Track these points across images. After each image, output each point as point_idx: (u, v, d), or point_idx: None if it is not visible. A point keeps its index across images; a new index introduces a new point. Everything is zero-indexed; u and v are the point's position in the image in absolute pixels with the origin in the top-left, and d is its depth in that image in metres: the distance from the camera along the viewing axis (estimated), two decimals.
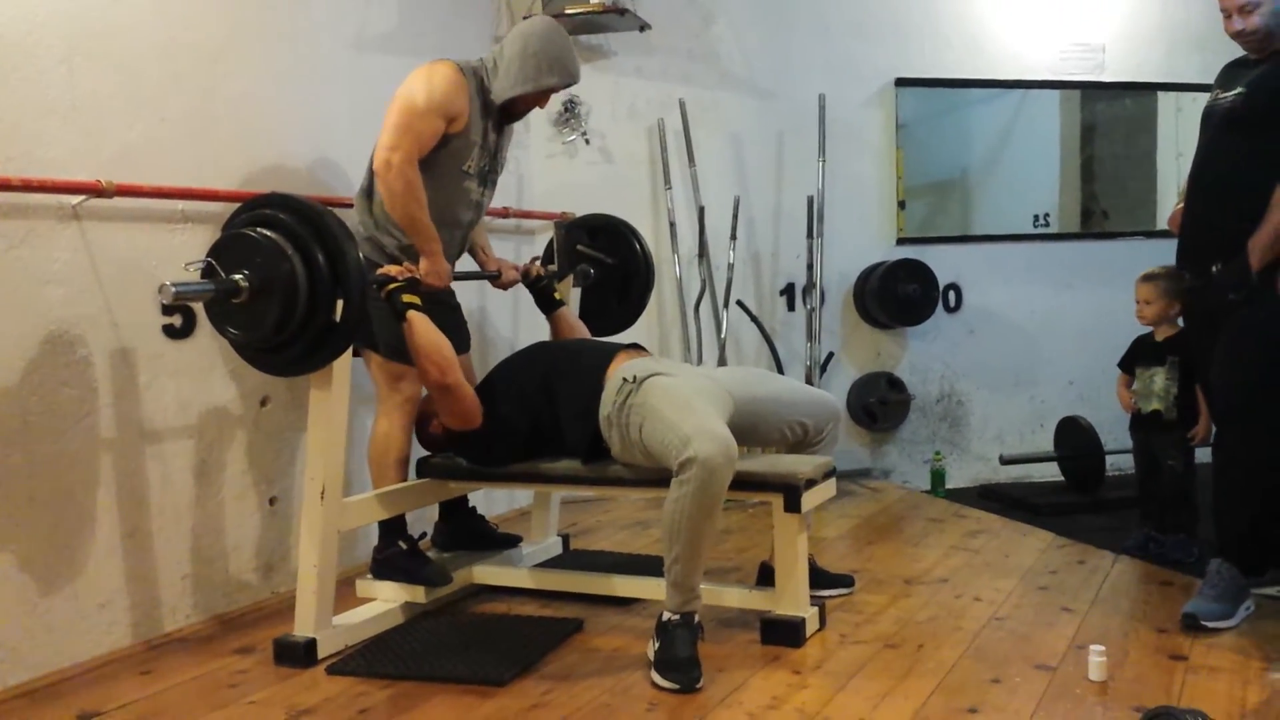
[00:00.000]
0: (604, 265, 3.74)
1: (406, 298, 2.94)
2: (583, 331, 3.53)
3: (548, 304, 3.52)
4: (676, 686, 2.50)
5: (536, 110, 3.33)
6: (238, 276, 2.50)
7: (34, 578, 2.65)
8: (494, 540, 3.53)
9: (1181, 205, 3.17)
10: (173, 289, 2.41)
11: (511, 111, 3.22)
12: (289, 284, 2.49)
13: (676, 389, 2.76)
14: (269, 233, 2.53)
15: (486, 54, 3.19)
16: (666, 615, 2.63)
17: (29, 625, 2.64)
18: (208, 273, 2.54)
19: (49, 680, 2.64)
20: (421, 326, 2.92)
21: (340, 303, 2.56)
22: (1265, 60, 2.93)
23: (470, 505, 3.54)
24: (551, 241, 3.75)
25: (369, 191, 3.12)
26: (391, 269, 2.98)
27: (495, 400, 3.01)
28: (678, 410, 2.67)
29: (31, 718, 2.43)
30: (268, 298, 2.50)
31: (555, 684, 2.57)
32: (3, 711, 2.47)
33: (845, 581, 3.27)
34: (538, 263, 3.60)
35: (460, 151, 3.08)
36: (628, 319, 3.87)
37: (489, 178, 3.27)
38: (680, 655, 2.56)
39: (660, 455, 2.66)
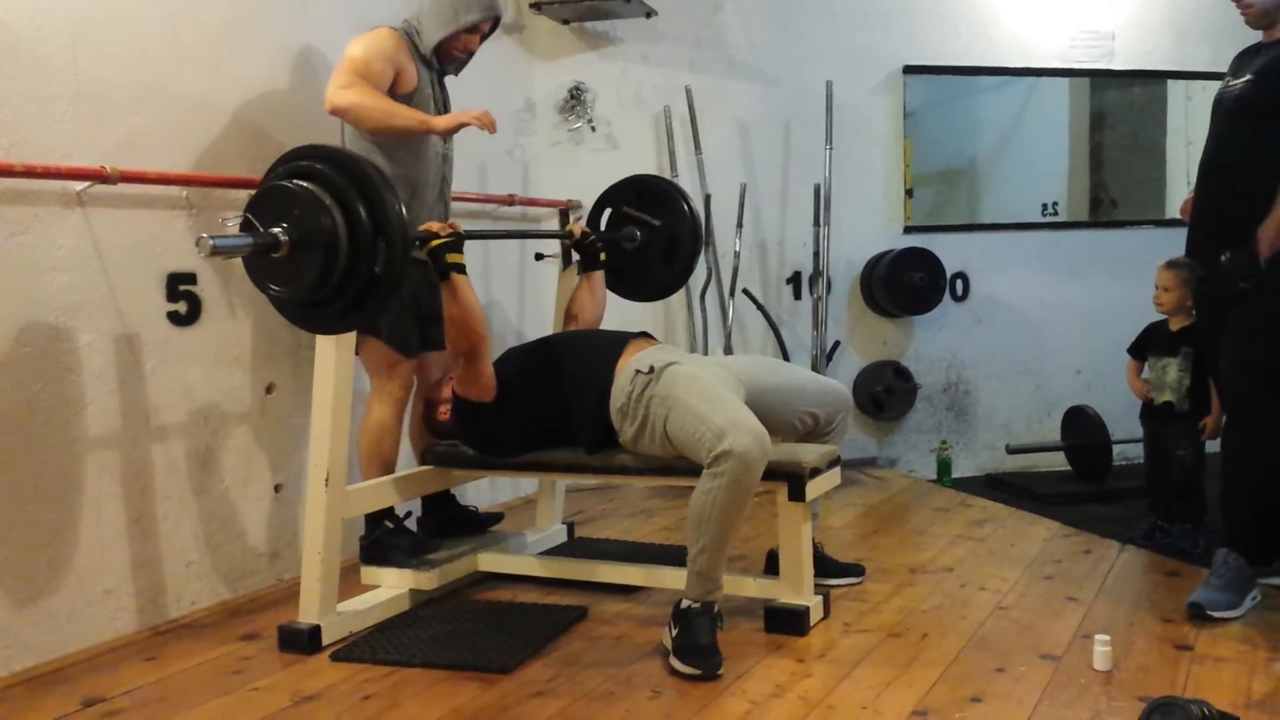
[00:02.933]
0: (650, 227, 3.62)
1: (451, 257, 2.83)
2: (602, 301, 3.48)
3: (590, 263, 3.47)
4: (698, 672, 2.50)
5: (542, 96, 3.34)
6: (276, 230, 2.39)
7: (39, 564, 2.66)
8: (478, 523, 3.55)
9: (1192, 194, 3.15)
10: (211, 243, 2.29)
11: (445, 61, 3.28)
12: (329, 236, 2.38)
13: (700, 379, 2.76)
14: (307, 184, 2.43)
15: (410, 14, 3.24)
16: (686, 603, 2.63)
17: (34, 611, 2.65)
18: (245, 227, 2.42)
19: (54, 666, 2.65)
20: (465, 289, 2.84)
21: (383, 253, 2.45)
22: (1274, 46, 2.91)
23: (450, 493, 3.55)
24: (562, 226, 3.73)
25: None
26: (434, 225, 2.88)
27: (504, 391, 2.99)
28: (707, 402, 2.66)
29: (36, 704, 2.44)
30: (308, 251, 2.39)
31: (559, 671, 2.57)
32: (8, 697, 2.48)
33: (854, 570, 3.26)
34: (581, 222, 3.56)
35: (418, 108, 3.13)
36: (675, 282, 3.73)
37: (447, 138, 3.29)
38: (701, 642, 2.56)
39: (689, 447, 2.66)
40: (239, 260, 3.16)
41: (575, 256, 3.56)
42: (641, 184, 3.73)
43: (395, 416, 3.18)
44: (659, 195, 3.66)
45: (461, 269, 2.85)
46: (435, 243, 2.83)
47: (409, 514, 3.29)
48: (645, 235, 3.62)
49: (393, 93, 3.09)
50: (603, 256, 3.48)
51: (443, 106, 3.30)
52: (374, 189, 2.44)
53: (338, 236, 2.40)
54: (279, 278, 2.47)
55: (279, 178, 2.49)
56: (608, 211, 3.67)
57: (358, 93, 2.98)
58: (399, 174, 3.10)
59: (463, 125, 3.10)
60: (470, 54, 3.33)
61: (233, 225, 2.45)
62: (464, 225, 2.96)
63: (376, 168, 2.56)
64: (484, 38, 3.32)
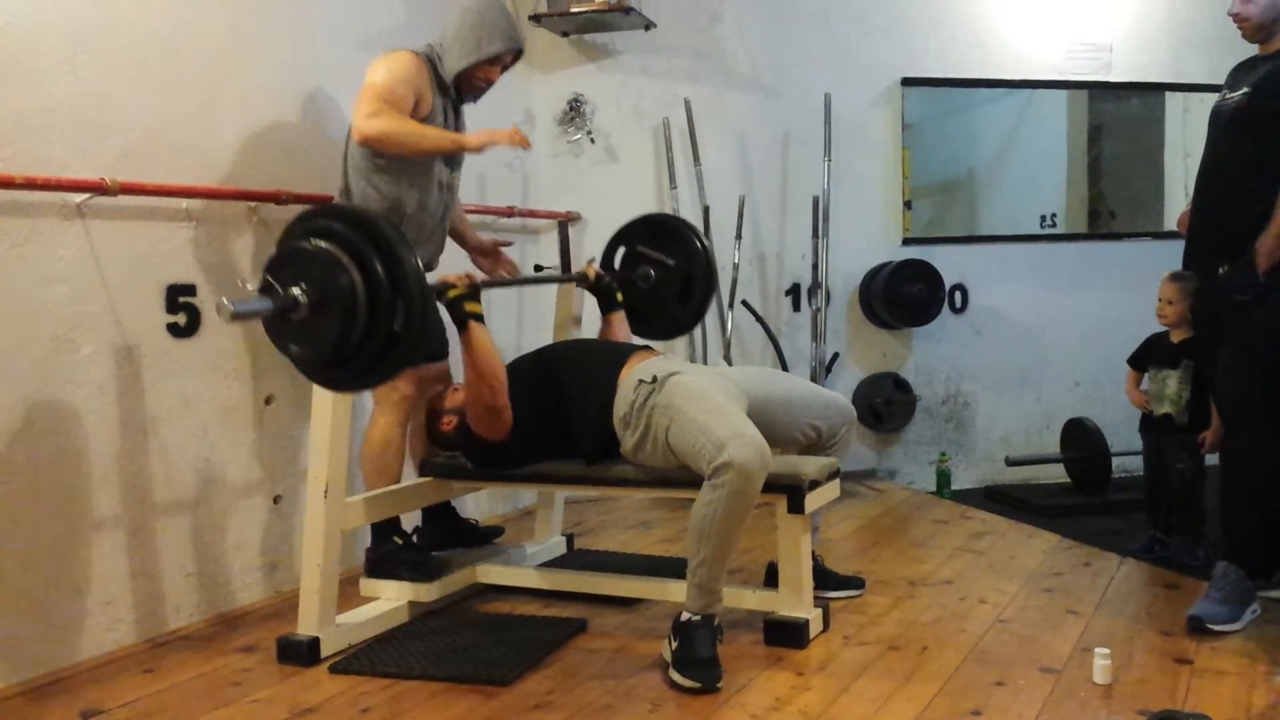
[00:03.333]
0: (665, 266, 3.60)
1: (469, 306, 2.84)
2: (627, 337, 3.46)
3: (608, 305, 3.47)
4: (698, 685, 2.49)
5: (541, 108, 3.34)
6: (295, 291, 2.38)
7: (38, 575, 2.66)
8: (478, 536, 3.55)
9: (1190, 207, 3.16)
10: (230, 308, 2.28)
11: (463, 90, 3.26)
12: (348, 295, 2.38)
13: (702, 390, 2.76)
14: (324, 244, 2.43)
15: (433, 39, 3.22)
16: (686, 615, 2.63)
17: (32, 622, 2.64)
18: (265, 289, 2.42)
19: (52, 678, 2.65)
20: (482, 339, 2.85)
21: (402, 312, 2.44)
22: (1271, 59, 2.92)
23: (450, 505, 3.54)
24: (561, 238, 3.74)
25: (346, 190, 3.14)
26: (451, 276, 2.89)
27: (515, 420, 2.97)
28: (708, 413, 2.66)
29: (35, 715, 2.43)
30: (327, 311, 2.38)
31: (558, 684, 2.57)
32: (6, 709, 2.47)
33: (854, 583, 3.26)
34: (594, 264, 3.54)
35: None
36: (690, 321, 3.70)
37: (454, 160, 3.29)
38: (701, 655, 2.55)
39: (690, 458, 2.66)
40: (239, 272, 3.20)
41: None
42: (654, 222, 3.72)
43: (399, 426, 3.18)
44: (672, 233, 3.65)
45: (480, 318, 2.85)
46: (453, 293, 2.83)
47: (416, 529, 3.28)
48: (660, 274, 3.60)
49: (412, 117, 3.07)
50: (620, 296, 3.47)
51: (457, 130, 3.27)
52: (390, 246, 2.43)
53: (356, 295, 2.39)
54: (299, 338, 2.46)
55: (297, 238, 2.50)
56: (621, 250, 3.67)
57: (386, 120, 2.95)
58: (400, 198, 3.10)
59: (494, 144, 3.10)
60: (490, 84, 3.30)
61: (252, 287, 2.45)
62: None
63: (393, 224, 2.54)
64: (505, 68, 3.29)
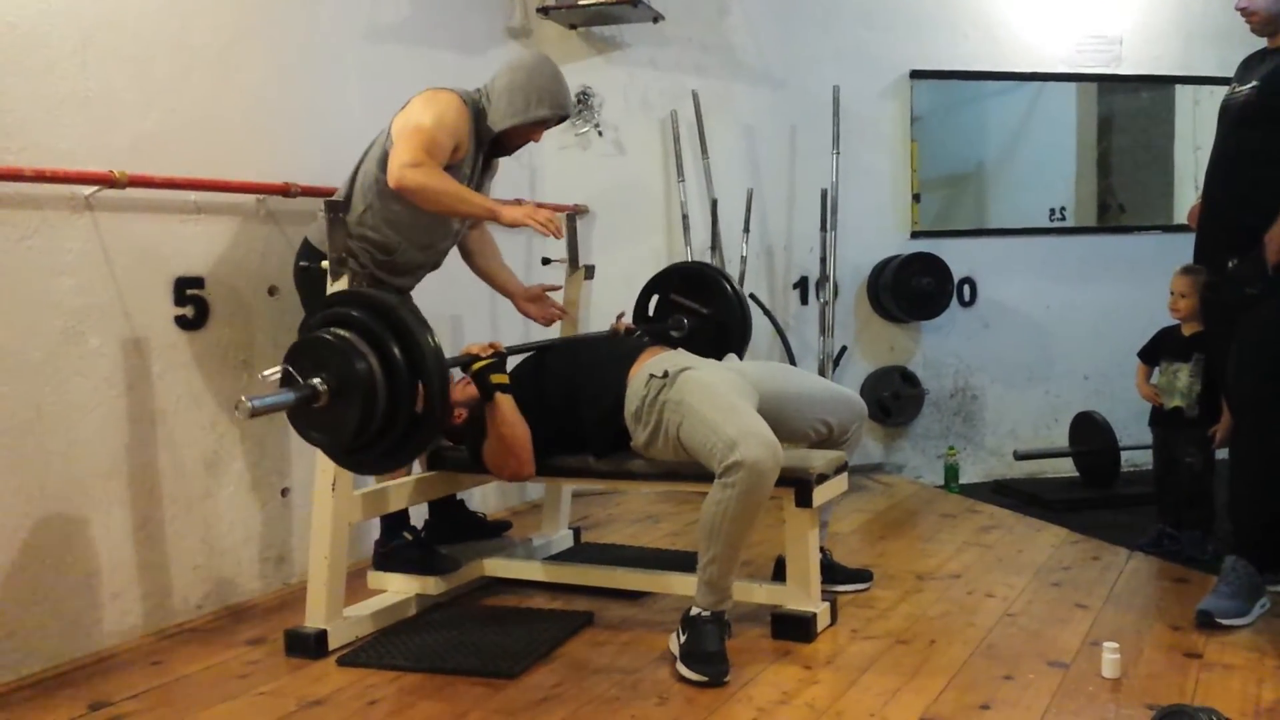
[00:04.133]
0: (699, 315, 3.59)
1: (495, 378, 2.83)
2: None
3: None
4: (705, 679, 2.49)
5: None
6: (315, 380, 2.40)
7: (46, 568, 2.66)
8: (485, 529, 3.55)
9: (1200, 200, 3.14)
10: (250, 405, 2.28)
11: (502, 145, 3.20)
12: (366, 381, 2.40)
13: (714, 386, 2.75)
14: (342, 331, 2.45)
15: (480, 85, 3.16)
16: (696, 611, 2.63)
17: (41, 615, 2.65)
18: (285, 380, 2.45)
19: (61, 670, 2.65)
20: (509, 411, 2.84)
21: (421, 394, 2.46)
22: (1278, 50, 2.91)
23: (458, 499, 3.54)
24: (569, 231, 3.72)
25: (345, 202, 3.05)
26: (474, 346, 2.88)
27: (518, 406, 2.98)
28: (720, 410, 2.66)
29: (44, 707, 2.44)
30: (347, 398, 2.40)
31: (565, 677, 2.57)
32: (15, 701, 2.48)
33: (863, 576, 3.25)
34: (624, 319, 3.50)
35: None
36: None
37: None
38: (709, 649, 2.55)
39: (701, 455, 2.65)
40: (247, 265, 3.20)
41: (585, 260, 3.55)
42: (688, 271, 3.74)
43: None
44: (706, 283, 3.64)
45: (507, 389, 2.85)
46: (478, 365, 2.83)
47: (426, 522, 3.29)
48: (693, 323, 3.60)
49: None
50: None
51: (479, 183, 3.22)
52: (407, 330, 2.45)
53: (375, 380, 2.41)
54: (321, 425, 2.48)
55: (315, 328, 2.51)
56: (655, 298, 3.67)
57: (426, 174, 2.88)
58: (404, 230, 3.04)
59: (527, 224, 3.00)
60: (528, 142, 3.25)
61: (273, 377, 2.46)
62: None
63: (412, 308, 2.55)
64: (546, 129, 3.24)
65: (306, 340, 2.50)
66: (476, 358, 2.84)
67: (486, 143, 3.15)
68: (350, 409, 2.41)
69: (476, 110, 3.08)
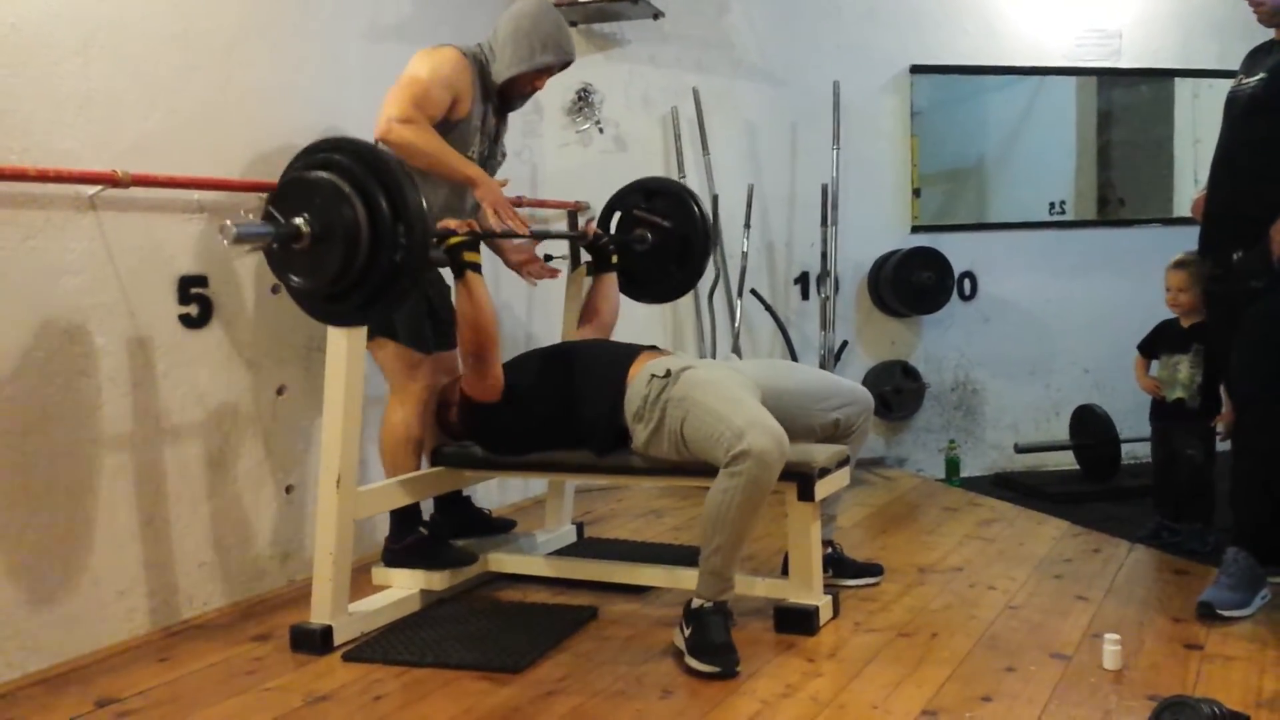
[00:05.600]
0: (662, 229, 3.60)
1: (468, 255, 2.85)
2: (616, 302, 3.49)
3: (601, 265, 3.47)
4: (717, 670, 2.50)
5: (549, 98, 3.32)
6: (298, 221, 2.39)
7: (53, 565, 2.68)
8: (491, 526, 3.56)
9: (1204, 192, 3.15)
10: (234, 230, 2.28)
11: (510, 95, 3.21)
12: (350, 226, 2.38)
13: (718, 381, 2.76)
14: (327, 174, 2.43)
15: (483, 39, 3.18)
16: (699, 602, 2.64)
17: (48, 613, 2.66)
18: (267, 218, 2.43)
19: (68, 667, 2.66)
20: (479, 288, 2.86)
21: (403, 243, 2.44)
22: None
23: (465, 494, 3.55)
24: (570, 227, 3.73)
25: None
26: (452, 222, 2.88)
27: (515, 394, 2.99)
28: (725, 403, 2.67)
29: (50, 705, 2.45)
30: (329, 242, 2.39)
31: (570, 671, 2.58)
32: (22, 698, 2.49)
33: (873, 570, 3.25)
34: (593, 224, 3.54)
35: (464, 138, 3.07)
36: (687, 283, 3.73)
37: (489, 164, 3.27)
38: (717, 640, 2.56)
39: (706, 449, 2.66)
40: (250, 263, 3.21)
41: (586, 257, 3.57)
42: (651, 186, 3.72)
43: (417, 415, 3.17)
44: (669, 197, 3.65)
45: (477, 267, 2.87)
46: (453, 240, 2.84)
47: (431, 518, 3.30)
48: (656, 238, 3.60)
49: (444, 118, 3.04)
50: (615, 259, 3.48)
51: (493, 138, 3.23)
52: (393, 179, 2.44)
53: (359, 226, 2.39)
54: (300, 269, 2.47)
55: (299, 169, 2.49)
56: (617, 214, 3.67)
57: (413, 131, 2.90)
58: (431, 193, 3.00)
59: (495, 210, 3.02)
60: (536, 91, 3.26)
61: (254, 217, 2.45)
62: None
63: (396, 158, 2.54)
64: (550, 76, 3.26)
65: (291, 180, 2.47)
66: (453, 233, 2.85)
67: (495, 95, 3.15)
68: (332, 252, 2.39)
69: (479, 64, 3.08)
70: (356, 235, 2.40)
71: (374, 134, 2.93)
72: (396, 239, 2.43)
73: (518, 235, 3.18)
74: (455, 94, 3.00)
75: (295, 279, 2.49)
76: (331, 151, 2.50)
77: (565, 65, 3.21)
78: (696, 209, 3.62)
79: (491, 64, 3.11)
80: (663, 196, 3.66)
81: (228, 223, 2.29)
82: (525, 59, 3.08)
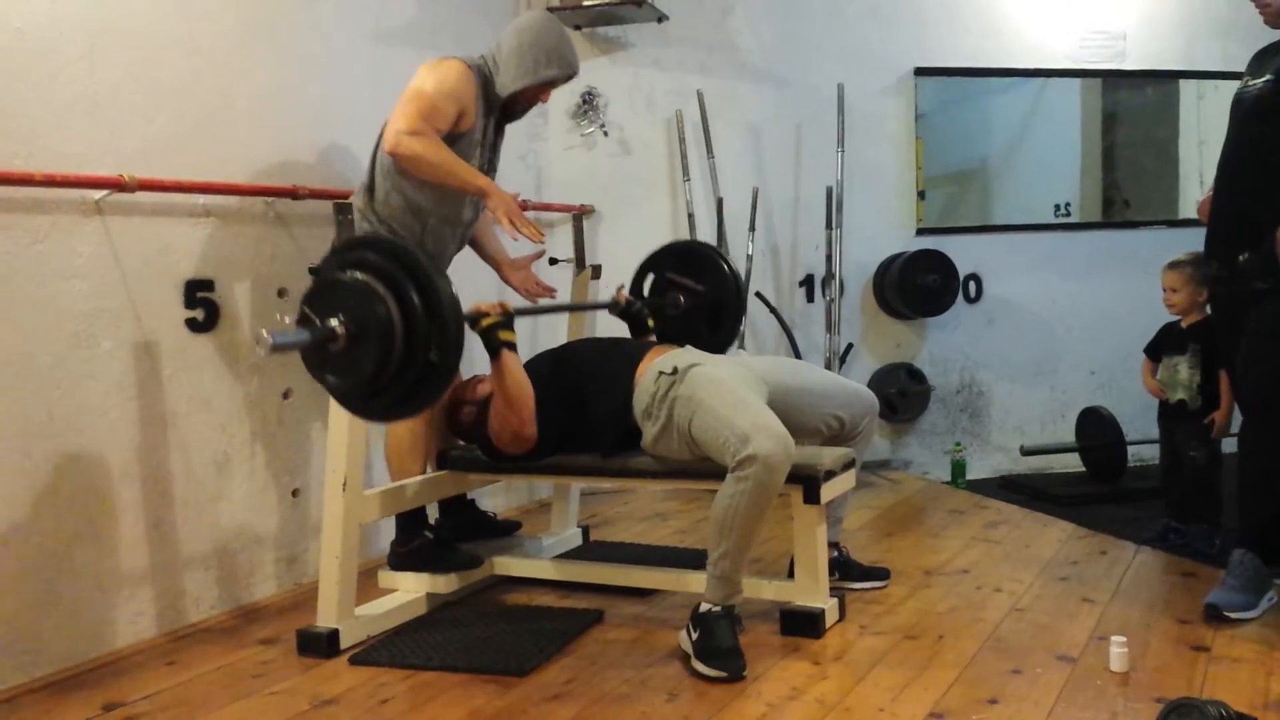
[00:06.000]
0: (694, 293, 3.60)
1: (504, 335, 2.84)
2: None
3: (638, 330, 3.46)
4: (724, 674, 2.50)
5: (554, 102, 3.31)
6: (333, 322, 2.40)
7: (59, 569, 2.68)
8: (496, 529, 3.56)
9: (1210, 194, 3.15)
10: (270, 339, 2.30)
11: (512, 108, 3.21)
12: (385, 325, 2.40)
13: (724, 381, 2.76)
14: (360, 274, 2.45)
15: (486, 51, 3.17)
16: (706, 606, 2.64)
17: (54, 617, 2.67)
18: (302, 320, 2.45)
19: (74, 671, 2.67)
20: (514, 369, 2.85)
21: (437, 341, 2.45)
22: None
23: (470, 498, 3.55)
24: (575, 231, 3.72)
25: (370, 187, 3.08)
26: (484, 304, 2.88)
27: (537, 421, 2.97)
28: (731, 405, 2.67)
29: (57, 709, 2.46)
30: (364, 341, 2.40)
31: (576, 674, 2.58)
32: (29, 703, 2.49)
33: (879, 574, 3.25)
34: (624, 290, 3.52)
35: (465, 151, 3.06)
36: (721, 346, 3.61)
37: (491, 173, 3.26)
38: (724, 644, 2.56)
39: (714, 450, 2.66)
40: (256, 267, 3.21)
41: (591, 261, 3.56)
42: (683, 250, 3.75)
43: (424, 421, 3.17)
44: (701, 260, 3.65)
45: (513, 346, 2.86)
46: (486, 321, 2.83)
47: (436, 521, 3.30)
48: (689, 301, 3.60)
49: (449, 131, 3.02)
50: (651, 323, 3.46)
51: (491, 150, 3.23)
52: (425, 276, 2.45)
53: (393, 324, 2.41)
54: (337, 369, 2.48)
55: (333, 269, 2.51)
56: (650, 277, 3.67)
57: (423, 144, 2.88)
58: (423, 206, 3.05)
59: (509, 219, 2.96)
60: (538, 103, 3.26)
61: (290, 320, 2.47)
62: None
63: (427, 253, 2.55)
64: (554, 89, 3.25)
65: (324, 282, 2.49)
66: (485, 314, 2.84)
67: (497, 108, 3.15)
68: (367, 352, 2.40)
69: (483, 76, 3.08)
70: (391, 334, 2.41)
71: (384, 147, 2.92)
72: (430, 336, 2.44)
73: (548, 310, 3.18)
74: (461, 107, 2.99)
75: (332, 378, 2.51)
76: (365, 250, 2.52)
77: (569, 79, 3.21)
78: (728, 270, 3.63)
79: (495, 76, 3.10)
80: (695, 260, 3.66)
81: (263, 333, 2.30)
82: (530, 72, 3.07)
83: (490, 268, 3.59)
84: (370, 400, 2.53)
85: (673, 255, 3.69)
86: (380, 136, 3.09)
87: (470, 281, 3.51)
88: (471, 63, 3.05)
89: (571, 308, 3.63)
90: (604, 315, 3.60)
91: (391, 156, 2.92)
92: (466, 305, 2.57)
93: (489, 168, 3.22)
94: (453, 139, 3.01)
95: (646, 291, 3.66)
